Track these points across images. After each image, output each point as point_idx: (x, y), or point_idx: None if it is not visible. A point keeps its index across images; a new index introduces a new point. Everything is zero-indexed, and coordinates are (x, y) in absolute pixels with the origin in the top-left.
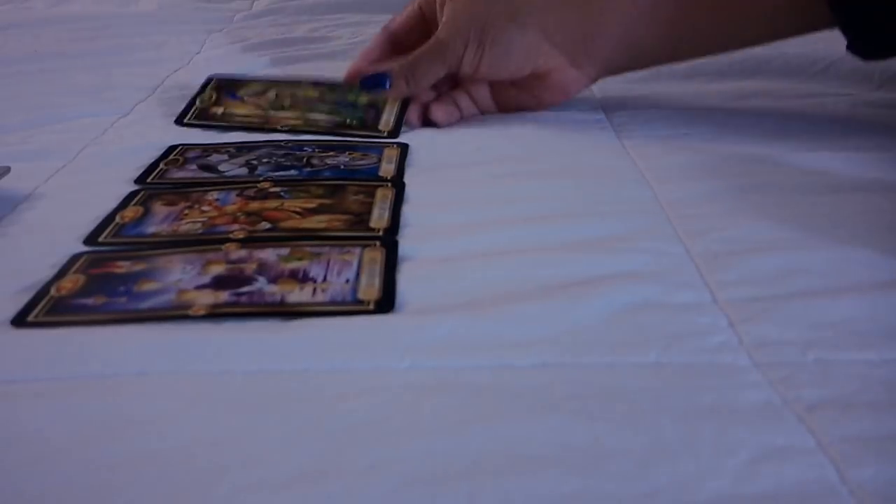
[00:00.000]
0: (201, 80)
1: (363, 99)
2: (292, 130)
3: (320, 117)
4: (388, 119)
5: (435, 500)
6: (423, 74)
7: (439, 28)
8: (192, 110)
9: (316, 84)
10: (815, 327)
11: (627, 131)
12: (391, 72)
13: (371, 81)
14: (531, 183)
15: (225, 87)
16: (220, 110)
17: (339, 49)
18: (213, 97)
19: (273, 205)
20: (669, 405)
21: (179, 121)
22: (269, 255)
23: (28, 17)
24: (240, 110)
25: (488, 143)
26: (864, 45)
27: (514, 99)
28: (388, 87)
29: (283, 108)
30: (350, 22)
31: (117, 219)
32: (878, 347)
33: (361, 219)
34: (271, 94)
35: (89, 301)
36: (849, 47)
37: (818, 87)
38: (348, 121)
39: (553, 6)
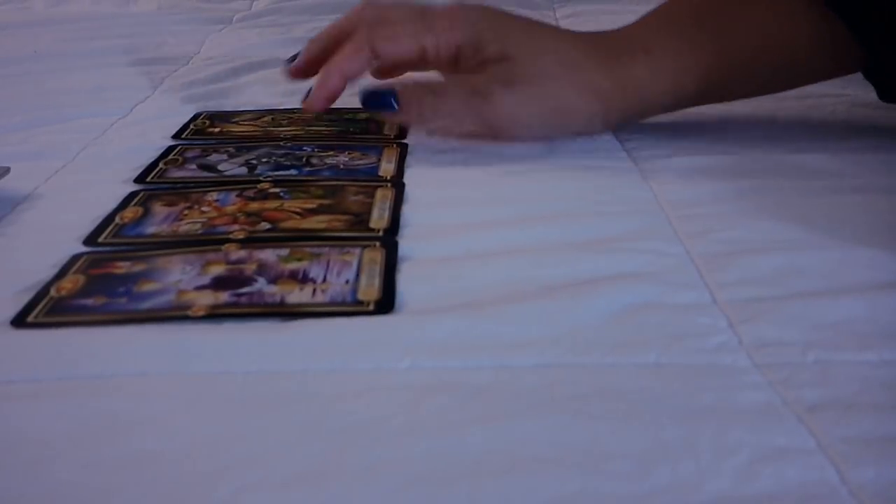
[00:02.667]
0: (201, 80)
1: (363, 114)
2: (294, 139)
3: (322, 129)
4: (391, 127)
5: (435, 501)
6: (446, 127)
7: (498, 95)
8: (188, 130)
9: None
10: (815, 328)
11: (627, 133)
12: (401, 94)
13: (374, 101)
14: (531, 183)
15: (216, 116)
16: (216, 130)
17: None
18: (207, 123)
19: (273, 205)
20: (669, 405)
21: (177, 136)
22: (268, 255)
23: (27, 17)
24: (238, 129)
25: (488, 144)
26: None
27: None
28: (395, 109)
29: (281, 125)
30: None
31: (117, 219)
32: (878, 348)
33: (361, 219)
34: (267, 119)
35: (89, 301)
36: (882, 97)
37: (817, 88)
38: (351, 129)
39: (614, 108)
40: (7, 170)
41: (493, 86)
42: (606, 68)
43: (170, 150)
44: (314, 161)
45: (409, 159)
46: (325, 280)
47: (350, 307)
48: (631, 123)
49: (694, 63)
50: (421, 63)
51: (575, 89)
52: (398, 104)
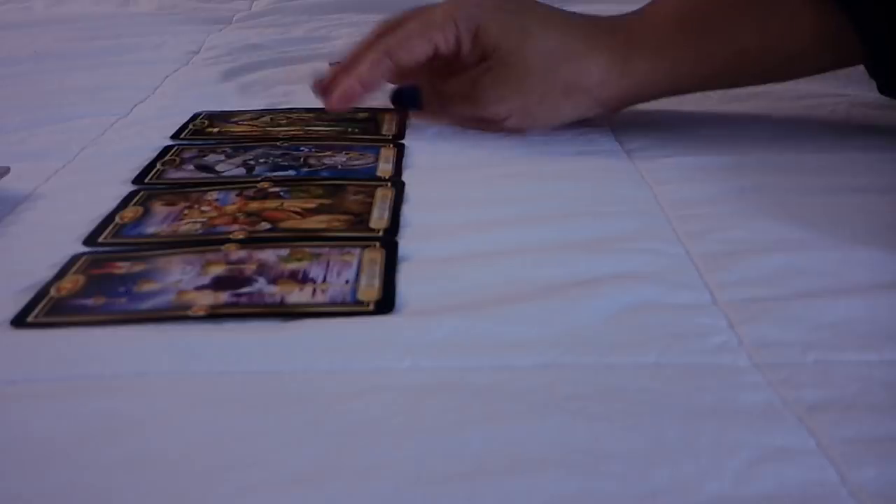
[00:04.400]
0: (201, 80)
1: (362, 115)
2: (293, 139)
3: (321, 129)
4: (388, 127)
5: (435, 501)
6: (455, 124)
7: (500, 89)
8: (187, 130)
9: (309, 108)
10: (815, 328)
11: (626, 133)
12: (424, 95)
13: (404, 99)
14: (531, 183)
15: (216, 116)
16: (215, 130)
17: (339, 49)
18: (206, 123)
19: (273, 205)
20: (669, 405)
21: (176, 136)
22: (268, 255)
23: (27, 18)
24: (236, 129)
25: (487, 144)
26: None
27: None
28: (419, 108)
29: (280, 125)
30: (350, 22)
31: (117, 219)
32: (878, 348)
33: (361, 219)
34: (266, 118)
35: (89, 301)
36: (882, 90)
37: (817, 88)
38: (349, 129)
39: (612, 97)
40: (7, 170)
41: (482, 81)
42: (607, 60)
43: (166, 150)
44: (312, 161)
45: (407, 160)
46: (325, 280)
47: (350, 307)
48: (627, 113)
49: (694, 54)
50: (434, 60)
51: (568, 80)
52: (422, 102)
